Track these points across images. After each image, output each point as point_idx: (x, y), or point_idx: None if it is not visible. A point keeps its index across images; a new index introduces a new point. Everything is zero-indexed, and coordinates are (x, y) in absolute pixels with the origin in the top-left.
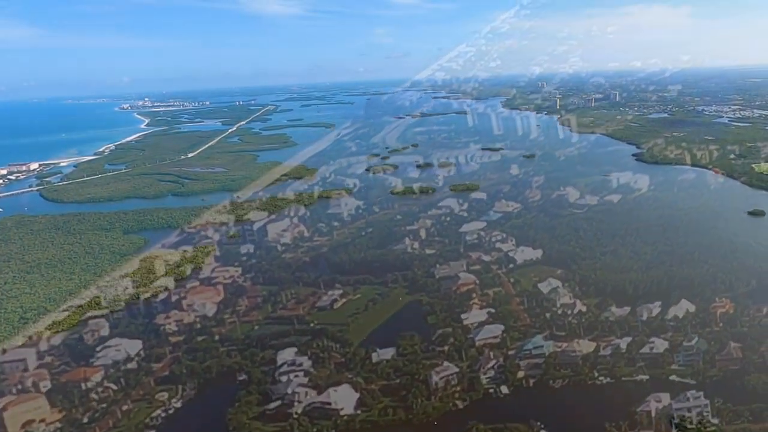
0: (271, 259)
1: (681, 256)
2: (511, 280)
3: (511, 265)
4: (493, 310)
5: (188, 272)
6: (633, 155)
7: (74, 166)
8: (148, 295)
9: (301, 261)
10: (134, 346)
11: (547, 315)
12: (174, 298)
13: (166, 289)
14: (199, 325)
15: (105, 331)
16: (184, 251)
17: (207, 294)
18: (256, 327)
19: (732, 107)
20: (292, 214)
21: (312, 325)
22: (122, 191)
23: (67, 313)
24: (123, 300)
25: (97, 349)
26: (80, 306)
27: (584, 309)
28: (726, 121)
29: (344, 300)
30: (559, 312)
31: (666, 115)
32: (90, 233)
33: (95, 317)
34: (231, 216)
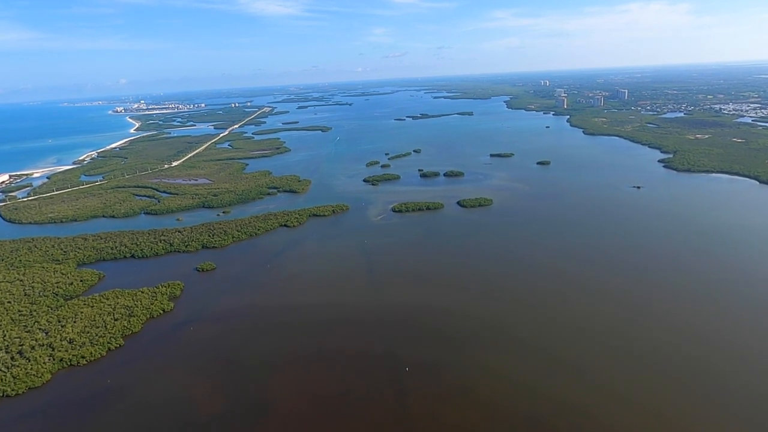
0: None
1: None
2: None
3: None
4: None
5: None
6: (660, 161)
7: (47, 178)
8: (84, 361)
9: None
10: None
11: None
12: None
13: (111, 349)
14: None
15: None
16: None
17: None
18: None
19: (751, 105)
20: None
21: None
22: (89, 209)
23: None
24: (47, 371)
25: None
26: None
27: None
28: (750, 121)
29: None
30: None
31: (682, 114)
32: (38, 266)
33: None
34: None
